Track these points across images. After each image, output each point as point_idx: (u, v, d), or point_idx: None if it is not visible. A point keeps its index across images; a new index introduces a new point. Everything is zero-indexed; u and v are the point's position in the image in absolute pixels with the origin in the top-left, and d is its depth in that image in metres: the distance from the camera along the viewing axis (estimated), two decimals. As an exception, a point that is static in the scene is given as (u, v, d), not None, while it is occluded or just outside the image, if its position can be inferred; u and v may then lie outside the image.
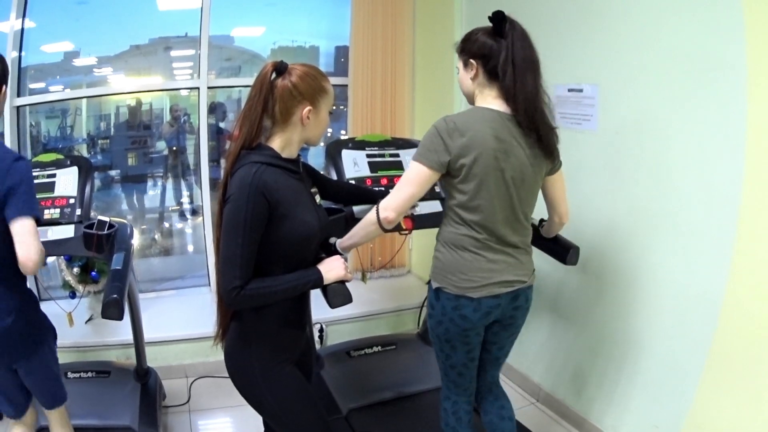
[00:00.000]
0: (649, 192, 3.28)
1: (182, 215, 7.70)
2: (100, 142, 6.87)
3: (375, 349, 4.47)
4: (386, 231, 2.67)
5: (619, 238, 3.50)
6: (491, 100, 2.54)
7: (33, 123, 5.57)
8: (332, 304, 2.44)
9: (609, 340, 3.68)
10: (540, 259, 3.00)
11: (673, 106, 3.09)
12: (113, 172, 6.96)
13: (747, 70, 2.68)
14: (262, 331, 2.40)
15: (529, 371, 4.51)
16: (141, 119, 7.02)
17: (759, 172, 2.70)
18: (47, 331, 2.78)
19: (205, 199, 5.47)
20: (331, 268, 2.39)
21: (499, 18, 2.47)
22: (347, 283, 2.47)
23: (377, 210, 2.56)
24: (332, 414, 3.83)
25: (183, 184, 7.60)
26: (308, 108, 2.26)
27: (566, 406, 4.11)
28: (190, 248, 7.46)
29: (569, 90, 3.69)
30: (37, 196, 3.04)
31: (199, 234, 6.51)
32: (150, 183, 7.51)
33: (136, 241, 6.53)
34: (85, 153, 6.63)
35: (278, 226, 2.22)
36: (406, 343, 4.56)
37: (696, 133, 2.98)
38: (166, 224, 7.63)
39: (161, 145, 7.30)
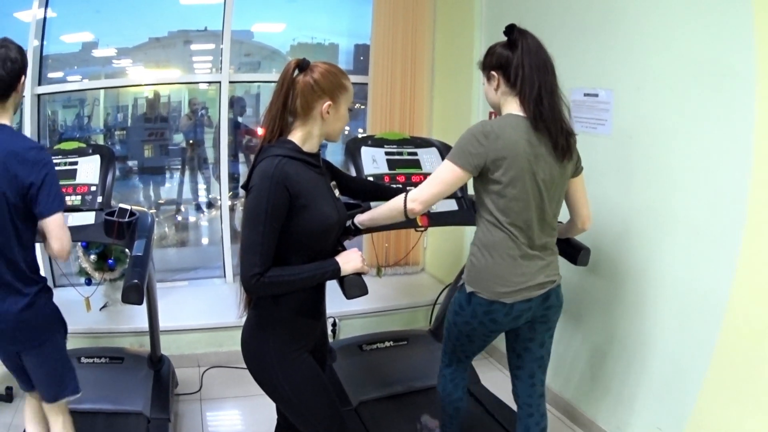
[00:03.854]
0: (660, 195, 3.31)
1: (198, 208, 7.75)
2: (117, 133, 6.91)
3: (387, 344, 4.50)
4: (407, 220, 2.76)
5: (630, 240, 3.53)
6: (516, 108, 2.61)
7: (50, 112, 5.62)
8: (348, 295, 2.50)
9: (617, 341, 3.71)
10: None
11: (683, 111, 3.13)
12: (131, 163, 7.00)
13: (755, 77, 2.72)
14: (279, 319, 2.46)
15: None
16: (159, 111, 7.06)
17: (765, 175, 2.74)
18: (58, 325, 2.78)
19: (224, 192, 5.52)
20: (348, 260, 2.46)
21: (509, 29, 2.59)
22: (364, 276, 2.53)
23: (405, 199, 2.63)
24: (343, 406, 3.78)
25: (200, 177, 7.64)
26: (328, 103, 2.33)
27: (573, 407, 4.14)
28: (205, 240, 7.51)
29: (585, 95, 3.73)
30: (59, 183, 3.14)
31: (215, 227, 6.58)
32: (167, 175, 7.56)
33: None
34: (102, 142, 6.65)
35: (298, 216, 2.29)
36: (418, 339, 4.60)
37: (705, 138, 3.02)
38: (180, 218, 7.66)
39: (178, 138, 7.35)
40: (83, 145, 3.65)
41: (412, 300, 5.42)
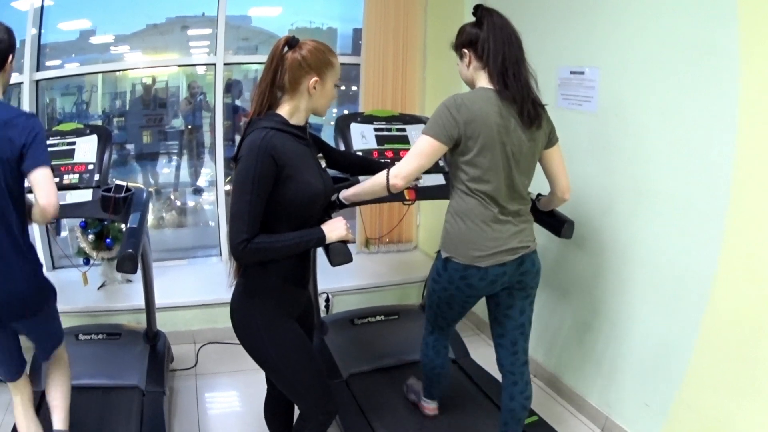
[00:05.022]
0: (644, 172, 3.37)
1: (196, 192, 7.79)
2: (115, 119, 6.92)
3: (378, 318, 4.58)
4: (390, 194, 2.83)
5: (615, 216, 3.59)
6: (486, 81, 2.74)
7: (48, 100, 5.66)
8: (333, 263, 2.59)
9: (604, 317, 3.77)
10: (541, 235, 3.14)
11: (668, 89, 3.18)
12: (129, 146, 7.04)
13: (738, 55, 2.77)
14: (266, 286, 2.57)
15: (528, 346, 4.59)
16: (157, 97, 7.09)
17: (749, 153, 2.79)
18: (50, 292, 2.89)
19: (219, 175, 5.58)
20: (333, 228, 2.55)
21: (476, 9, 2.76)
22: (349, 245, 2.62)
23: (387, 175, 2.73)
24: (333, 378, 3.96)
25: (197, 161, 7.67)
26: (315, 79, 2.43)
27: (561, 382, 4.22)
28: (203, 222, 7.55)
29: (571, 72, 3.79)
30: (57, 163, 3.27)
31: (212, 210, 6.65)
32: (165, 160, 7.61)
33: (151, 214, 6.67)
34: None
35: (285, 186, 2.38)
36: (409, 314, 4.68)
37: (689, 116, 3.07)
38: (179, 202, 7.71)
39: (177, 122, 7.38)
40: (81, 126, 3.73)
41: (405, 276, 5.51)
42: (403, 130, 3.77)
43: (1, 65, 2.55)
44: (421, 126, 3.10)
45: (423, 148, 2.70)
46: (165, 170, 7.70)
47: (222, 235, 5.71)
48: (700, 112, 3.02)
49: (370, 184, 2.82)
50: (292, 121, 2.48)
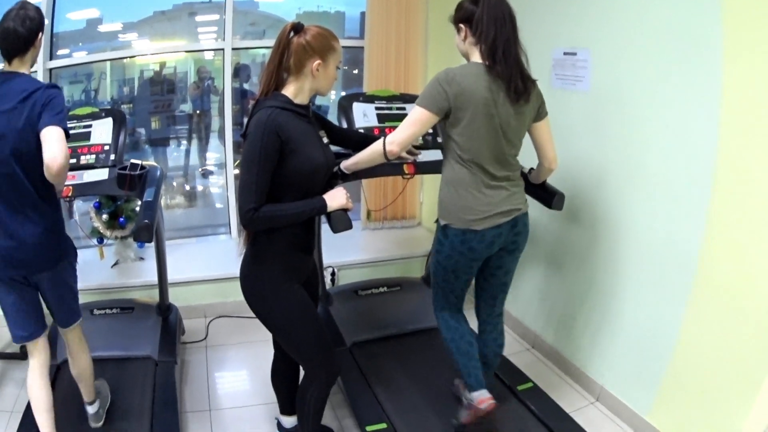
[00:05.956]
0: (633, 149, 3.48)
1: (205, 175, 7.91)
2: (124, 106, 6.94)
3: (381, 289, 4.72)
4: (389, 163, 3.07)
5: (606, 191, 3.71)
6: (478, 56, 2.89)
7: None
8: (335, 229, 2.75)
9: (597, 289, 3.89)
10: (535, 208, 3.29)
11: (657, 72, 3.28)
12: (141, 130, 7.13)
13: (722, 40, 2.88)
14: (273, 252, 2.76)
15: (523, 317, 4.75)
16: (165, 82, 7.12)
17: (733, 136, 2.90)
18: (71, 249, 3.05)
19: (228, 157, 5.72)
20: (334, 197, 2.73)
21: None
22: (349, 212, 2.78)
23: (384, 142, 2.92)
24: (337, 346, 4.08)
25: (206, 145, 7.78)
26: (318, 62, 2.62)
27: (557, 352, 4.34)
28: (212, 204, 7.66)
29: (564, 53, 3.91)
30: (74, 145, 3.44)
31: (220, 193, 6.82)
32: (174, 144, 7.69)
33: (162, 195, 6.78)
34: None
35: (289, 159, 2.58)
36: (411, 285, 4.82)
37: (678, 97, 3.17)
38: (188, 186, 7.81)
39: (186, 107, 7.49)
40: (96, 110, 3.89)
41: (408, 251, 5.66)
42: (403, 108, 3.90)
43: (32, 41, 2.72)
44: (418, 99, 3.25)
45: (416, 117, 2.88)
46: (174, 154, 7.77)
47: (232, 214, 5.86)
48: (687, 95, 3.12)
49: (369, 152, 3.02)
50: (297, 101, 2.67)
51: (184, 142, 7.73)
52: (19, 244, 2.78)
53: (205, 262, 5.34)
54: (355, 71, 6.10)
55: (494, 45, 2.79)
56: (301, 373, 3.07)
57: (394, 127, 3.57)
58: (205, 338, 4.82)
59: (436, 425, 3.49)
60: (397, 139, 2.91)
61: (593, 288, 3.92)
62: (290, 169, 2.59)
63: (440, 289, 3.28)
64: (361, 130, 3.71)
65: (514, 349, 4.50)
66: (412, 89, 5.51)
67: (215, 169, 7.76)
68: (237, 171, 5.50)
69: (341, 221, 2.74)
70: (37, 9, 2.75)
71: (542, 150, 3.15)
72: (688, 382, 3.31)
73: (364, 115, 3.81)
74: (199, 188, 7.94)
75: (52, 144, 2.55)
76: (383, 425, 3.48)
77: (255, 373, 4.30)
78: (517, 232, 3.09)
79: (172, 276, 4.52)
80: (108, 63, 6.36)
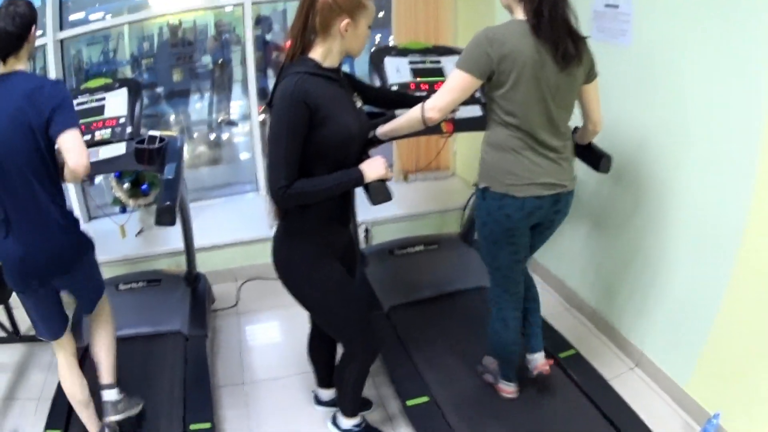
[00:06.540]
0: (678, 110, 3.28)
1: (229, 124, 7.77)
2: (144, 61, 6.87)
3: (417, 248, 4.60)
4: (427, 128, 2.83)
5: (652, 152, 3.52)
6: (521, 13, 2.64)
7: (75, 52, 5.60)
8: (373, 202, 2.59)
9: (641, 254, 3.75)
10: (580, 170, 3.10)
11: (703, 27, 3.05)
12: (159, 89, 7.04)
13: None
14: (307, 228, 2.60)
15: (565, 277, 4.61)
16: (185, 37, 7.01)
17: None
18: (87, 245, 2.95)
19: (253, 107, 5.51)
20: (372, 167, 2.54)
21: None
22: (387, 182, 2.61)
23: (422, 108, 2.69)
24: (374, 311, 4.01)
25: (229, 95, 7.64)
26: (347, 21, 2.38)
27: (599, 314, 4.23)
28: (237, 158, 7.54)
29: (606, 5, 3.68)
30: (88, 120, 3.34)
31: (244, 143, 6.73)
32: (197, 96, 7.60)
33: (186, 153, 6.67)
34: (129, 73, 6.64)
35: (320, 129, 2.37)
36: (448, 243, 4.68)
37: (724, 56, 2.95)
38: (213, 135, 7.72)
39: (206, 59, 7.34)
40: (109, 81, 3.72)
41: (443, 204, 5.49)
42: (438, 62, 3.69)
43: (25, 37, 2.61)
44: (456, 58, 3.05)
45: (456, 82, 2.66)
46: (197, 105, 7.69)
47: (259, 169, 5.70)
48: (735, 54, 2.90)
49: (406, 118, 2.79)
50: (325, 64, 2.45)
51: (207, 93, 7.65)
52: (35, 252, 2.72)
53: (233, 224, 5.20)
54: (381, 13, 5.84)
55: (540, 8, 2.55)
56: (339, 347, 2.99)
57: (429, 83, 3.41)
58: (236, 304, 4.74)
59: (478, 398, 3.40)
60: (437, 105, 2.68)
61: (640, 252, 3.77)
62: (322, 140, 2.40)
63: (488, 266, 3.13)
64: (395, 87, 3.51)
65: (555, 310, 4.40)
66: (442, 38, 5.30)
67: (239, 118, 7.63)
68: (262, 117, 5.37)
69: (380, 192, 2.58)
70: (28, 3, 2.64)
71: (589, 112, 2.94)
72: (727, 356, 3.19)
73: (397, 71, 3.59)
74: (224, 137, 7.83)
75: (74, 148, 2.53)
76: (425, 398, 3.38)
77: (289, 341, 4.21)
78: (558, 210, 2.92)
79: (199, 241, 4.41)
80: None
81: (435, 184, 5.92)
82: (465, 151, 5.90)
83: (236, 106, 7.64)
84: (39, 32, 2.83)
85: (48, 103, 2.51)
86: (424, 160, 5.81)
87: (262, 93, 5.52)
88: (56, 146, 2.57)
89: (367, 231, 5.10)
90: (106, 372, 3.15)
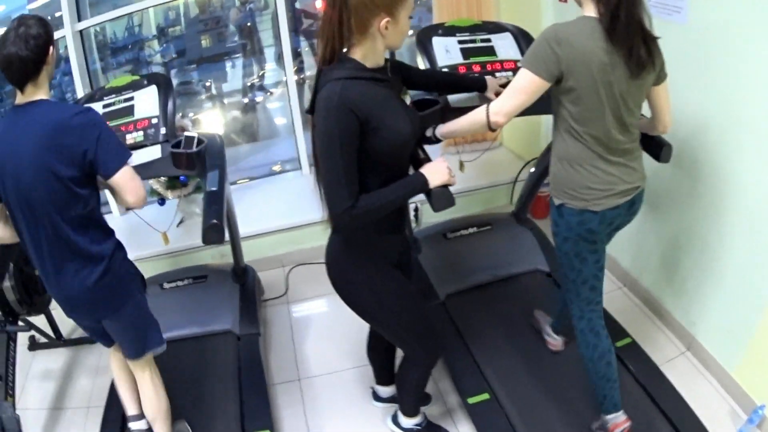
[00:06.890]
0: (738, 92, 3.11)
1: (261, 89, 7.62)
2: (170, 30, 6.87)
3: (470, 230, 4.47)
4: (491, 131, 2.71)
5: (710, 136, 3.37)
6: (592, 10, 2.44)
7: (98, 29, 5.50)
8: (436, 208, 2.45)
9: (697, 237, 3.65)
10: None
11: (764, 7, 2.85)
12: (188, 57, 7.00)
13: None
14: (362, 240, 2.47)
15: (618, 256, 4.51)
16: (212, 5, 6.97)
17: None
18: (136, 282, 2.80)
19: (288, 70, 5.29)
20: (435, 172, 2.39)
21: None
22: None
23: (487, 112, 2.55)
24: (431, 300, 3.91)
25: (260, 59, 7.51)
26: (387, 19, 2.16)
27: (651, 295, 4.16)
28: (277, 122, 7.38)
29: (659, -21, 3.50)
30: (118, 122, 3.16)
31: (279, 109, 6.75)
32: (227, 64, 7.50)
33: (221, 126, 6.55)
34: (156, 46, 6.58)
35: (372, 138, 2.20)
36: (502, 224, 4.54)
37: None
38: (246, 100, 7.55)
39: (233, 28, 7.26)
40: (137, 78, 3.50)
41: (492, 179, 5.36)
42: (488, 40, 3.46)
43: (42, 60, 2.40)
44: (507, 35, 2.90)
45: (524, 84, 2.48)
46: (229, 70, 7.60)
47: (299, 142, 5.53)
48: None
49: (469, 121, 2.66)
50: (368, 64, 2.25)
51: (238, 62, 7.55)
52: (72, 296, 2.63)
53: (277, 209, 5.09)
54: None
55: (617, 11, 2.35)
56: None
57: (481, 63, 3.25)
58: (286, 293, 4.66)
59: (541, 395, 3.34)
60: (503, 109, 2.53)
61: (697, 235, 3.66)
62: (376, 149, 2.22)
63: (571, 283, 2.96)
64: (445, 69, 3.30)
65: (608, 288, 4.21)
66: (485, 13, 5.04)
67: (271, 84, 7.52)
68: (296, 78, 5.22)
69: (444, 198, 2.44)
70: (40, 20, 2.42)
71: (659, 114, 2.78)
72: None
73: (446, 51, 3.38)
74: (259, 100, 7.62)
75: (131, 190, 2.51)
76: (485, 396, 3.32)
77: (342, 331, 4.11)
78: (634, 211, 2.84)
79: (243, 228, 4.30)
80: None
81: (483, 156, 5.62)
82: (512, 120, 5.67)
83: (269, 71, 7.51)
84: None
85: (80, 145, 2.37)
86: (472, 135, 5.66)
87: (295, 53, 5.42)
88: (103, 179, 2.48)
89: (417, 210, 4.97)
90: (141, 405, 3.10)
